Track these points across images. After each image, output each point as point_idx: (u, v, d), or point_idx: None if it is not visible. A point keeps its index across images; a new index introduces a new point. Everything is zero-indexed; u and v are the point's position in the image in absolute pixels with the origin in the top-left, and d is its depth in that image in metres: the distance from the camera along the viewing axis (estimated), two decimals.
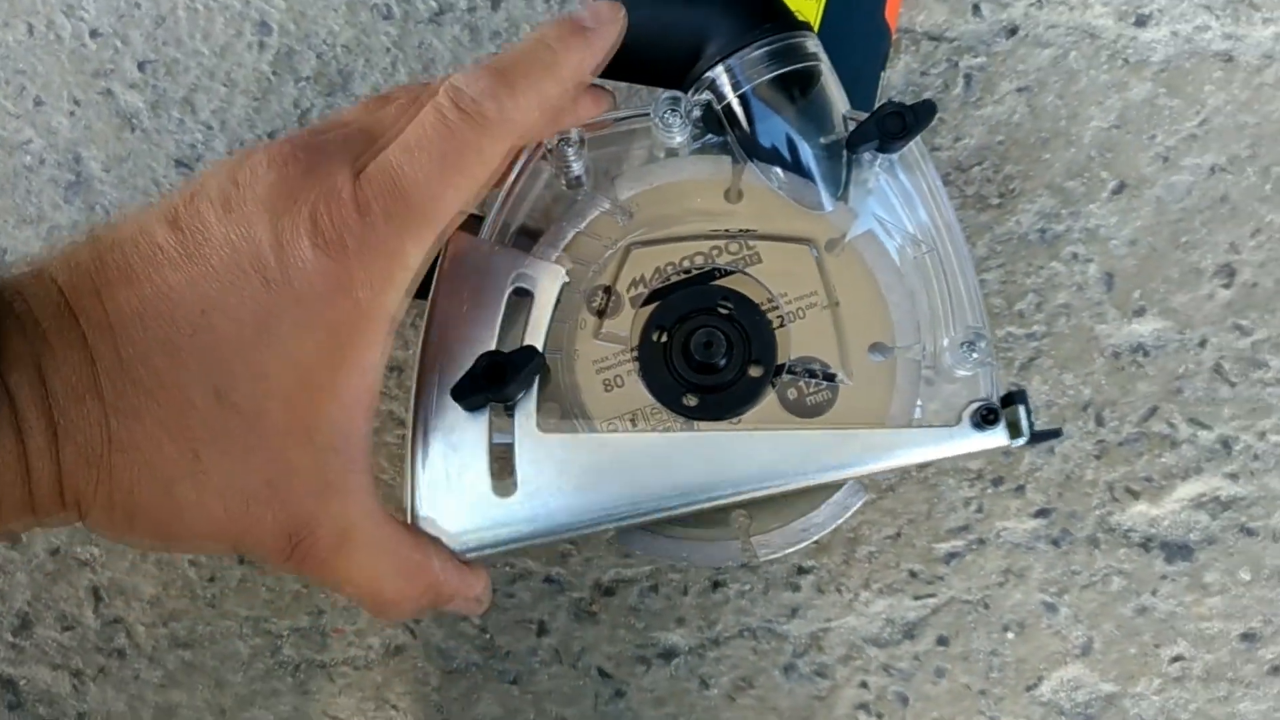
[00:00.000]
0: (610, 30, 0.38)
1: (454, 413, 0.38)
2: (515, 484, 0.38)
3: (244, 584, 0.53)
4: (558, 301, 0.40)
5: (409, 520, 0.39)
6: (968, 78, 0.54)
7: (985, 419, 0.38)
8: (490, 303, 0.39)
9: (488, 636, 0.52)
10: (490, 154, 0.36)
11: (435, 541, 0.39)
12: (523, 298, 0.40)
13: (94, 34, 0.56)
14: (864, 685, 0.51)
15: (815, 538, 0.39)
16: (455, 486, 0.38)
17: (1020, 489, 0.51)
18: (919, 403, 0.39)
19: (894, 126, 0.38)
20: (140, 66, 0.56)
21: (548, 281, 0.40)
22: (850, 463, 0.38)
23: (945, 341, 0.39)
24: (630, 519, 0.38)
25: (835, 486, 0.40)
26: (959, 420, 0.38)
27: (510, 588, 0.52)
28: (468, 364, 0.38)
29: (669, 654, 0.51)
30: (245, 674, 0.52)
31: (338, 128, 0.38)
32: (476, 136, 0.36)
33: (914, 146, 0.40)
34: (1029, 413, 0.38)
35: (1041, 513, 0.51)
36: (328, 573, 0.37)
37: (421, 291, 0.41)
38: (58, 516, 0.35)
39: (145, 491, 0.34)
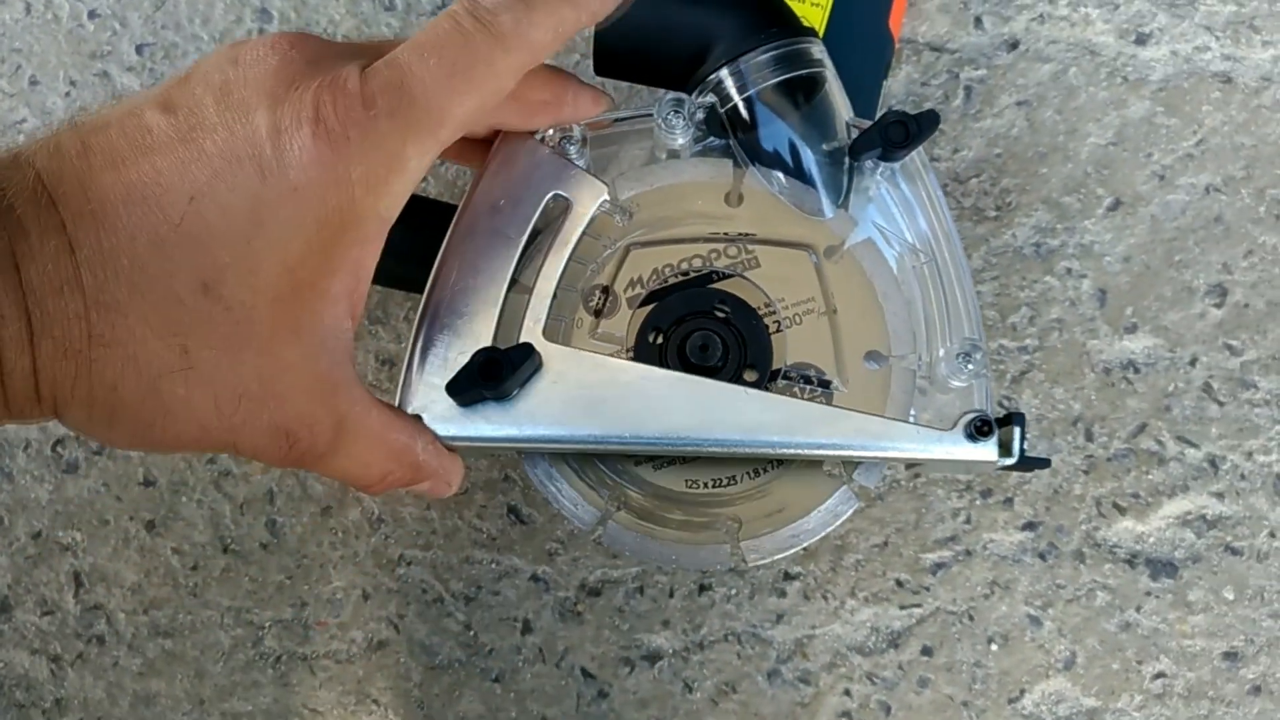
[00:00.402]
0: None
1: (466, 299, 0.38)
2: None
3: (227, 573, 0.52)
4: (591, 220, 0.40)
5: (399, 399, 0.39)
6: (968, 90, 0.54)
7: (979, 431, 0.38)
8: (528, 201, 0.39)
9: (471, 633, 0.52)
10: (501, 68, 0.35)
11: (419, 423, 0.38)
12: (563, 207, 0.40)
13: (92, 15, 0.55)
14: (847, 693, 0.51)
15: (805, 544, 0.39)
16: (451, 370, 0.38)
17: (1009, 501, 0.51)
18: (912, 412, 0.39)
19: (897, 135, 0.38)
20: (138, 49, 0.55)
21: (588, 196, 0.40)
22: (838, 441, 0.38)
23: (941, 352, 0.39)
24: (613, 445, 0.38)
25: (827, 493, 0.40)
26: (953, 427, 0.38)
27: (496, 585, 0.52)
28: (493, 261, 0.38)
29: (653, 656, 0.51)
30: (226, 664, 0.52)
31: None
32: (489, 48, 0.34)
33: (915, 156, 0.40)
34: (1024, 437, 0.38)
35: (1029, 526, 0.51)
36: (323, 466, 0.37)
37: (397, 281, 0.41)
38: (34, 415, 0.33)
39: (129, 388, 0.33)
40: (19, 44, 0.55)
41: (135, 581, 0.52)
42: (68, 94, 0.55)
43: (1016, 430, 0.38)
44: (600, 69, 0.42)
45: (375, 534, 0.52)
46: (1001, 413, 0.39)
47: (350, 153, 0.33)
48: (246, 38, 0.55)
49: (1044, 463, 0.40)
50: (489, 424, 0.38)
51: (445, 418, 0.38)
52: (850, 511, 0.40)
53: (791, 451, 0.38)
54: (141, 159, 0.32)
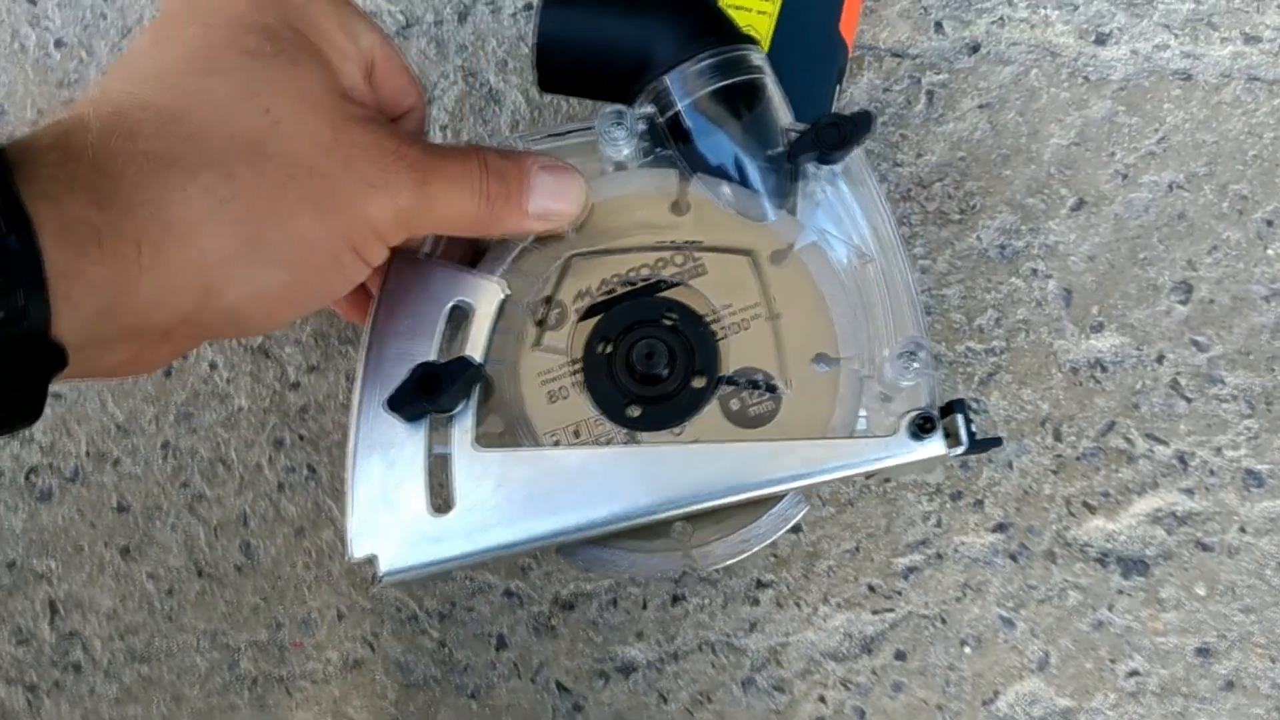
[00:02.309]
0: None
1: (392, 428, 0.38)
2: (452, 501, 0.38)
3: (202, 597, 0.53)
4: (497, 316, 0.40)
5: (349, 546, 0.38)
6: (930, 94, 0.55)
7: (922, 428, 0.38)
8: (429, 319, 0.39)
9: (446, 650, 0.52)
10: None
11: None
12: (465, 314, 0.40)
13: (59, 44, 0.56)
14: (822, 700, 0.50)
15: (756, 548, 0.39)
16: (392, 502, 0.38)
17: (979, 503, 0.51)
18: (862, 413, 0.39)
19: (831, 137, 0.38)
20: None
21: (486, 298, 0.40)
22: (789, 476, 0.38)
23: (886, 353, 0.39)
24: (572, 535, 0.38)
25: (777, 498, 0.40)
26: (897, 431, 0.38)
27: (470, 601, 0.52)
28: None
29: (628, 668, 0.51)
30: (203, 688, 0.52)
31: None
32: None
33: (857, 159, 0.40)
34: (968, 421, 0.38)
35: (999, 527, 0.51)
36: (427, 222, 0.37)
37: None
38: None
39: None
40: None
41: (111, 608, 0.53)
42: (35, 122, 0.55)
43: (959, 417, 0.38)
44: (545, 86, 0.42)
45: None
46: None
47: None
48: None
49: (996, 441, 0.40)
50: (442, 545, 0.38)
51: (400, 551, 0.38)
52: (800, 515, 0.39)
53: (747, 495, 0.38)
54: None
